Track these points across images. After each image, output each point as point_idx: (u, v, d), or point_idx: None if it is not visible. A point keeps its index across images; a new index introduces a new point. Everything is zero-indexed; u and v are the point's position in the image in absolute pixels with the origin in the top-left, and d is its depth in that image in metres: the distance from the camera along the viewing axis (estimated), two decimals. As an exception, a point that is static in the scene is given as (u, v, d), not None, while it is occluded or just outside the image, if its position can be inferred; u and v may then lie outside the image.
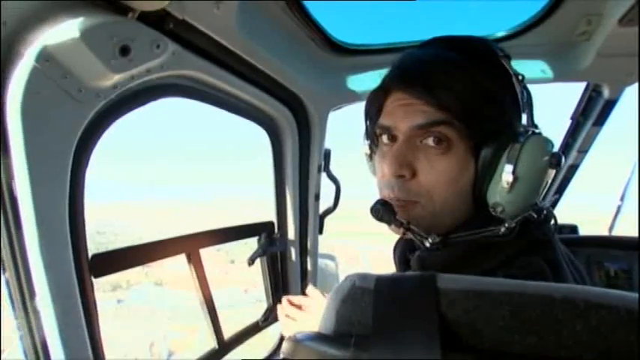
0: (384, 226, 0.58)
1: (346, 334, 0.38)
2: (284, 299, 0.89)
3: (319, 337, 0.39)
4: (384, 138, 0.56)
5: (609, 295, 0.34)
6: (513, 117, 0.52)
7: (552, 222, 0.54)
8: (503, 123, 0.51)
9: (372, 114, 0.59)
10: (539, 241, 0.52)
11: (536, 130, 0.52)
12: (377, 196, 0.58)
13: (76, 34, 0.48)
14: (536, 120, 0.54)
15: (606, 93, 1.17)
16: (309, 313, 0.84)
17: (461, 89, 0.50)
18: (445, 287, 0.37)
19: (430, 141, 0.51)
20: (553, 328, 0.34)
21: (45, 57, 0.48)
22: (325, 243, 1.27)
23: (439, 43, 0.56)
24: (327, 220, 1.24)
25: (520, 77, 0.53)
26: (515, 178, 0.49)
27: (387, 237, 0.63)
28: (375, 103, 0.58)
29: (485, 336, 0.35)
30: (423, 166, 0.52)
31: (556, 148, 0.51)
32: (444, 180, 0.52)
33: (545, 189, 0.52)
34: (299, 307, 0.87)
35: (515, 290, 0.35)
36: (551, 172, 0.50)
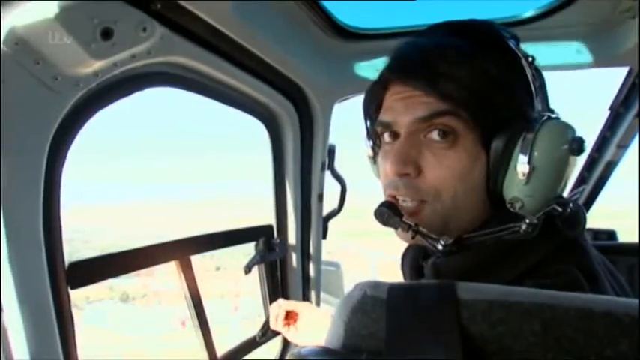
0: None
1: (356, 348, 0.37)
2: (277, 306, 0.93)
3: (326, 352, 0.39)
4: (386, 136, 0.57)
5: None
6: (525, 102, 0.52)
7: (581, 220, 0.53)
8: (514, 110, 0.51)
9: (372, 111, 0.60)
10: (569, 243, 0.51)
11: (552, 115, 0.51)
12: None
13: (51, 14, 0.48)
14: (568, 111, 0.53)
15: (651, 80, 1.15)
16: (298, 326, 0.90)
17: (464, 76, 0.50)
18: (466, 297, 0.36)
19: (435, 135, 0.51)
20: (593, 346, 0.32)
21: (14, 40, 0.48)
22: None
23: (440, 29, 0.57)
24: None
25: (530, 59, 0.53)
26: (532, 169, 0.48)
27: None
28: (374, 99, 0.59)
29: (514, 353, 0.34)
30: (428, 162, 0.52)
31: (590, 143, 0.50)
32: (452, 176, 0.51)
33: (568, 179, 0.51)
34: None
35: (547, 302, 0.34)
36: (573, 160, 0.49)
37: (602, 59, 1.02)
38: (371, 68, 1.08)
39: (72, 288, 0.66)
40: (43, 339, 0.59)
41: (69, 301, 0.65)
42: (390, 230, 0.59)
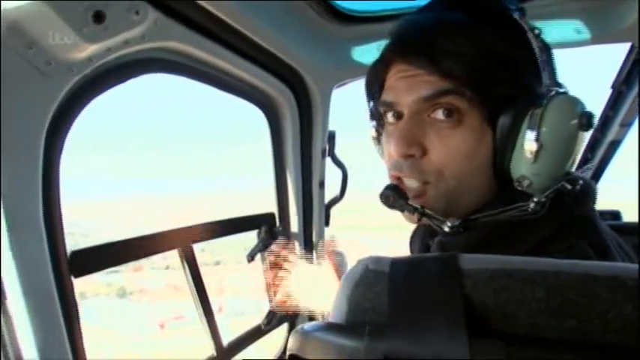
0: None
1: (359, 322, 0.37)
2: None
3: (330, 327, 0.39)
4: (389, 116, 0.56)
5: None
6: (532, 78, 0.51)
7: (592, 195, 0.53)
8: (520, 86, 0.50)
9: (374, 91, 0.59)
10: (580, 219, 0.50)
11: (561, 90, 0.50)
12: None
13: None
14: (570, 90, 0.52)
15: (654, 55, 1.13)
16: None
17: (467, 53, 0.49)
18: (469, 268, 0.36)
19: (439, 114, 0.51)
20: (596, 310, 0.32)
21: (6, 25, 0.47)
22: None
23: (441, 4, 0.56)
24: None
25: (537, 32, 0.51)
26: (540, 146, 0.47)
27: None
28: (376, 79, 0.58)
29: (518, 320, 0.34)
30: (433, 142, 0.51)
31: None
32: (458, 156, 0.51)
33: (577, 156, 0.51)
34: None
35: (550, 269, 0.34)
36: (582, 136, 0.49)
37: (602, 36, 1.00)
38: (369, 52, 1.06)
39: (75, 277, 0.66)
40: (49, 327, 0.59)
41: (72, 289, 0.65)
42: (395, 224, 0.59)
